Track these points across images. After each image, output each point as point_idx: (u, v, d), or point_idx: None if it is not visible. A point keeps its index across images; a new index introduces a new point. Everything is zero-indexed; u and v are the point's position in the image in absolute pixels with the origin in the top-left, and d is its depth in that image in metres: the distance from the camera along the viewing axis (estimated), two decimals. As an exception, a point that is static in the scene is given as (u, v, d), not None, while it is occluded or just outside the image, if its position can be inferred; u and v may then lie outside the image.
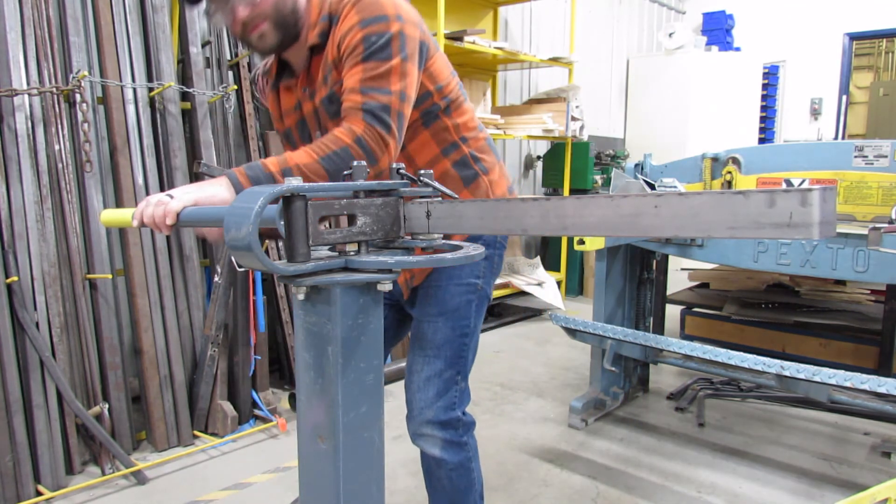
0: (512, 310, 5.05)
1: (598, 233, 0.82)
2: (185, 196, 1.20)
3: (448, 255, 0.95)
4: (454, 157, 1.54)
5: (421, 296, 1.60)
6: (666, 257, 3.19)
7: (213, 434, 2.87)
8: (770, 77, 7.88)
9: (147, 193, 2.73)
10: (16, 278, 2.36)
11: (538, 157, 6.10)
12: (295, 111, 1.57)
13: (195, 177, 2.84)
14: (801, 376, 2.34)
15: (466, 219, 0.94)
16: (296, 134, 1.60)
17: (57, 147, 2.52)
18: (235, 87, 3.13)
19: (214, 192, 1.22)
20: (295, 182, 0.86)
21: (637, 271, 3.23)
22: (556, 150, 5.70)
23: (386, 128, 1.33)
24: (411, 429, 1.62)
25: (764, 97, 7.77)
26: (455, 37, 4.27)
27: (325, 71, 1.46)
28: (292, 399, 3.21)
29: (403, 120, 1.37)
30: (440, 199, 0.99)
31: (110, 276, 2.65)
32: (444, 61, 1.53)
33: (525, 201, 0.88)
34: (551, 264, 5.72)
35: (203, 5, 1.47)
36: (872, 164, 2.35)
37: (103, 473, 2.52)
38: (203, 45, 3.10)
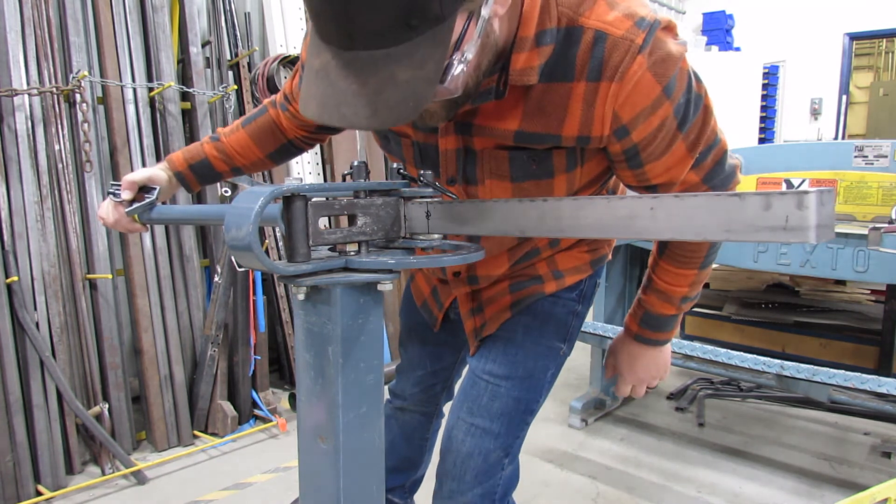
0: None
1: (593, 234, 0.82)
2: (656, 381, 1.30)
3: (446, 256, 0.95)
4: None
5: (487, 347, 1.27)
6: (666, 257, 3.18)
7: (213, 434, 2.87)
8: (770, 77, 7.88)
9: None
10: (16, 278, 2.36)
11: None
12: (422, 131, 1.12)
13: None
14: (801, 376, 2.34)
15: (466, 220, 0.94)
16: (407, 153, 1.18)
17: (57, 147, 2.52)
18: (235, 87, 3.13)
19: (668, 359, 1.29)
20: (295, 182, 0.86)
21: (637, 271, 3.23)
22: (556, 150, 5.68)
23: (731, 178, 1.11)
24: None
25: (764, 97, 7.77)
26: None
27: (528, 124, 1.00)
28: (292, 399, 3.21)
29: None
30: (440, 199, 0.99)
31: (110, 276, 2.65)
32: None
33: (522, 202, 0.88)
34: (551, 264, 5.71)
35: None
36: (872, 164, 2.35)
37: (103, 473, 2.52)
38: (203, 45, 3.10)
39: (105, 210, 1.33)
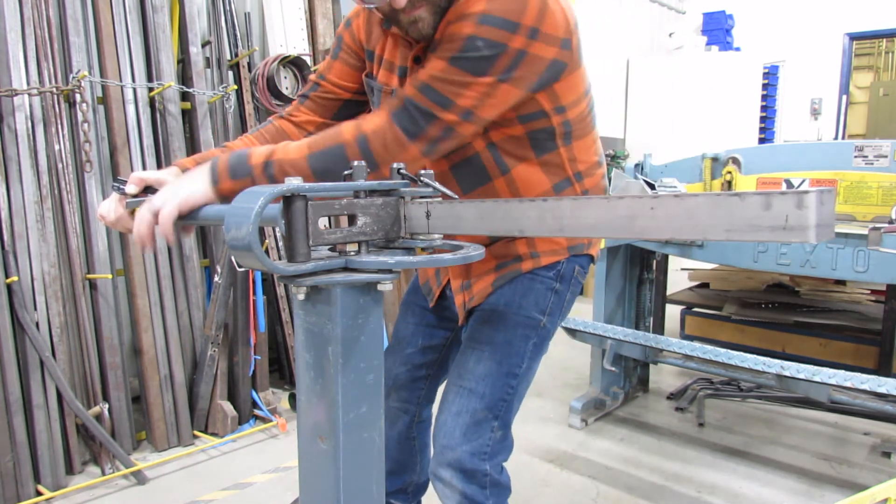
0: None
1: (594, 234, 0.82)
2: (169, 205, 1.09)
3: (447, 256, 0.95)
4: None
5: (474, 319, 1.41)
6: (666, 257, 3.19)
7: (213, 434, 2.87)
8: (770, 77, 7.89)
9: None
10: (16, 278, 2.36)
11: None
12: (397, 75, 1.32)
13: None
14: (801, 376, 2.34)
15: (465, 219, 0.94)
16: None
17: (57, 147, 2.52)
18: (235, 87, 3.13)
19: (191, 190, 1.11)
20: (296, 182, 0.86)
21: (637, 271, 3.23)
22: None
23: (411, 133, 1.13)
24: (431, 467, 1.40)
25: (764, 97, 7.77)
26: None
27: (423, 52, 1.23)
28: (292, 399, 3.21)
29: (453, 139, 1.16)
30: (440, 199, 0.99)
31: (110, 276, 2.65)
32: (578, 79, 1.25)
33: (522, 202, 0.88)
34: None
35: None
36: (872, 164, 2.35)
37: (103, 473, 2.52)
38: (203, 45, 3.10)
39: (106, 207, 1.31)
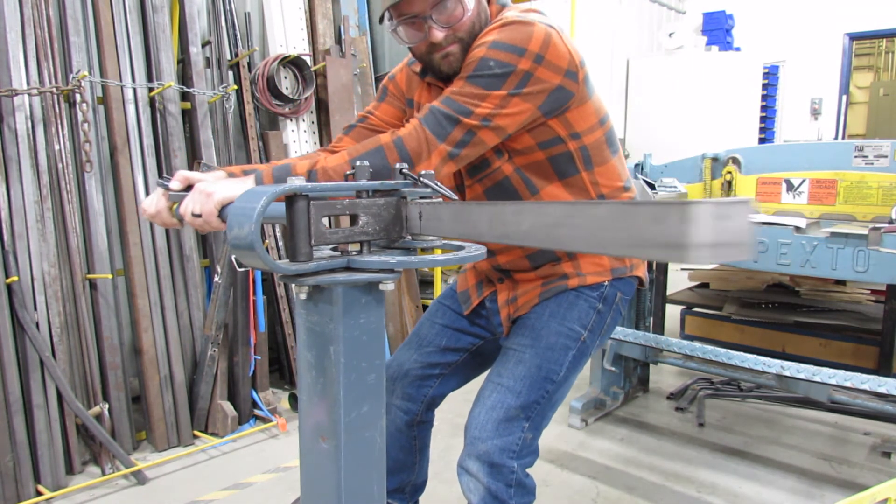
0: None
1: (530, 242, 0.78)
2: (226, 190, 1.12)
3: (440, 256, 0.96)
4: None
5: (517, 326, 1.50)
6: (666, 257, 3.18)
7: (213, 434, 2.87)
8: (770, 77, 7.88)
9: (147, 194, 2.73)
10: (16, 278, 2.36)
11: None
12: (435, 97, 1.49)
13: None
14: (801, 376, 2.34)
15: (444, 222, 0.94)
16: None
17: (57, 147, 2.52)
18: (235, 87, 3.13)
19: (237, 189, 1.13)
20: (298, 181, 0.86)
21: (637, 271, 3.23)
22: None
23: (439, 135, 1.24)
24: (459, 459, 1.45)
25: (764, 97, 7.77)
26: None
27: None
28: (292, 399, 3.21)
29: (475, 144, 1.26)
30: (439, 199, 0.99)
31: (110, 276, 2.65)
32: (591, 110, 1.39)
33: (481, 205, 0.87)
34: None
35: (382, 14, 1.34)
36: (872, 164, 2.35)
37: (103, 473, 2.52)
38: (203, 45, 3.10)
39: (149, 201, 1.34)
